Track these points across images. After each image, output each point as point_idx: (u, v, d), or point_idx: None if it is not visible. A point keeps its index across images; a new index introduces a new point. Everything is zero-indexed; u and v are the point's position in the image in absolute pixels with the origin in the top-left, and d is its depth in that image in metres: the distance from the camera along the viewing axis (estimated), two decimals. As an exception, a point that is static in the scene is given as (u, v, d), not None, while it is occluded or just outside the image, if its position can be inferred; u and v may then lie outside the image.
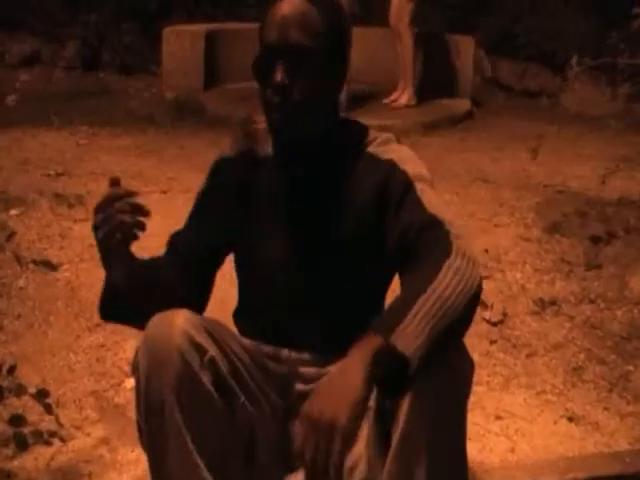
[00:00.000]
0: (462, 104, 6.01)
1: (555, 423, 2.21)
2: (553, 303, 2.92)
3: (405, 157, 1.37)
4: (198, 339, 1.24)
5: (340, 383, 1.11)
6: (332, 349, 1.34)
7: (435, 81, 5.99)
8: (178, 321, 1.24)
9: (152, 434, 1.23)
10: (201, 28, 5.97)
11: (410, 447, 1.20)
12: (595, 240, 3.42)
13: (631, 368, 2.51)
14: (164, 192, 3.85)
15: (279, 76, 1.29)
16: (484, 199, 4.03)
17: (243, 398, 1.29)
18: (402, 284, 1.26)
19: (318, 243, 1.38)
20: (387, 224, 1.33)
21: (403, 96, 5.71)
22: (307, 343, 1.40)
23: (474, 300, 1.21)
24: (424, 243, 1.26)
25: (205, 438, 1.23)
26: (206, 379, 1.22)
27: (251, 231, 1.42)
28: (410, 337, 1.13)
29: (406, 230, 1.30)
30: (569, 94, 6.34)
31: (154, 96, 5.94)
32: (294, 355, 1.41)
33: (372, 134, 1.42)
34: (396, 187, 1.33)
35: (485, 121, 5.85)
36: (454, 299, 1.17)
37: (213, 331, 1.28)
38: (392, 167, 1.35)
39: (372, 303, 1.44)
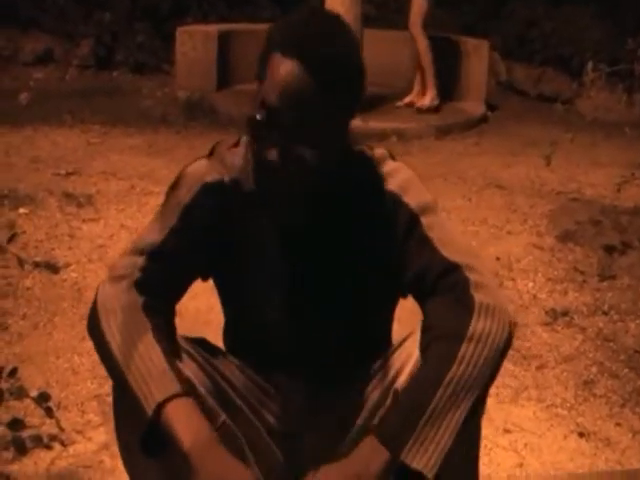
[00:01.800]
0: (476, 108, 5.97)
1: (565, 438, 2.17)
2: (565, 314, 2.87)
3: (404, 184, 1.27)
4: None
5: None
6: (326, 381, 1.31)
7: (450, 85, 5.95)
8: None
9: (130, 455, 1.20)
10: (214, 28, 5.96)
11: None
12: (609, 250, 3.36)
13: (644, 382, 2.46)
14: (174, 193, 3.83)
15: (275, 155, 1.14)
16: (497, 205, 3.99)
17: (223, 417, 1.24)
18: (421, 343, 1.18)
19: (316, 287, 1.30)
20: (396, 260, 1.25)
21: (426, 97, 5.66)
22: (299, 375, 1.35)
23: (502, 358, 1.16)
24: (441, 298, 1.18)
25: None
26: None
27: (237, 265, 1.32)
28: (425, 452, 1.07)
29: (421, 276, 1.22)
30: (585, 100, 6.27)
31: (166, 96, 5.93)
32: (285, 385, 1.36)
33: (365, 154, 1.30)
34: (403, 223, 1.24)
35: (499, 126, 5.81)
36: (478, 372, 1.11)
37: (192, 350, 1.24)
38: (395, 201, 1.25)
39: (372, 337, 1.38)
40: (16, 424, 1.80)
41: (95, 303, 1.22)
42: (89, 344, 2.47)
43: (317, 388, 1.34)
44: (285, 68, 1.13)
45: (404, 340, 1.28)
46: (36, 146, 4.54)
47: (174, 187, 1.31)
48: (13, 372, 1.88)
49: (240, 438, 1.27)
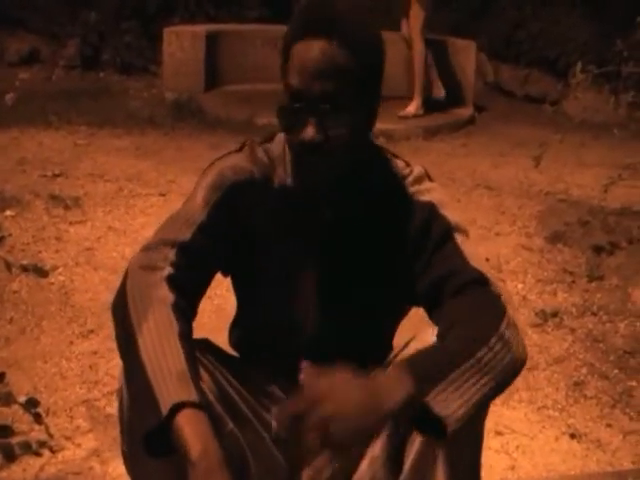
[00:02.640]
0: (464, 109, 5.97)
1: (557, 440, 2.17)
2: (555, 315, 2.87)
3: (443, 201, 1.29)
4: None
5: (363, 408, 1.02)
6: None
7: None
8: None
9: (137, 462, 1.19)
10: (202, 29, 5.93)
11: (422, 475, 1.17)
12: (598, 250, 3.38)
13: (634, 384, 2.46)
14: (163, 195, 3.81)
15: (310, 133, 1.16)
16: (485, 206, 3.99)
17: (231, 425, 1.23)
18: (444, 329, 1.16)
19: (343, 287, 1.30)
20: (419, 267, 1.25)
21: (412, 105, 5.62)
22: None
23: (517, 375, 1.15)
24: (472, 298, 1.18)
25: None
26: None
27: (263, 264, 1.31)
28: (452, 404, 1.05)
29: (447, 277, 1.22)
30: (572, 101, 6.29)
31: (154, 97, 5.90)
32: (290, 388, 1.35)
33: (403, 167, 1.32)
34: (437, 232, 1.25)
35: (487, 127, 5.82)
36: (498, 373, 1.10)
37: (200, 356, 1.23)
38: (431, 211, 1.26)
39: (380, 342, 1.38)
40: (4, 430, 1.77)
41: (124, 286, 1.20)
42: (77, 348, 2.48)
43: None
44: (312, 47, 1.17)
45: (406, 344, 1.28)
46: (22, 147, 4.50)
47: (204, 181, 1.30)
48: (1, 377, 1.86)
49: (245, 448, 1.26)
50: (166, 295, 1.18)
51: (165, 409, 1.06)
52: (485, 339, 1.11)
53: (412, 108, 5.59)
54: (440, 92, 5.78)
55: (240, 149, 1.32)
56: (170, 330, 1.14)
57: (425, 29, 5.59)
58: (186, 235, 1.24)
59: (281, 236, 1.30)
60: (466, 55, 6.13)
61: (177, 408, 1.07)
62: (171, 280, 1.20)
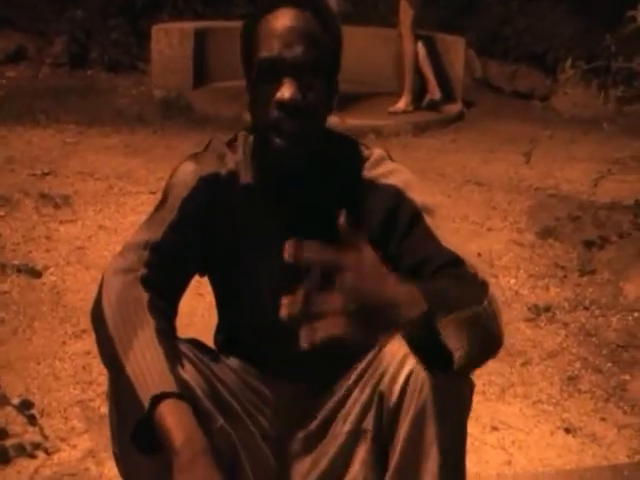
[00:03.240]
0: (453, 105, 5.98)
1: (552, 434, 2.18)
2: (547, 309, 2.88)
3: (407, 182, 1.28)
4: None
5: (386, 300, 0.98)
6: (313, 381, 1.31)
7: (426, 81, 5.95)
8: None
9: (128, 463, 1.18)
10: (190, 26, 5.91)
11: (409, 470, 1.18)
12: (588, 245, 3.39)
13: (627, 377, 2.47)
14: (153, 193, 3.78)
15: (290, 93, 1.17)
16: (476, 202, 4.00)
17: (221, 421, 1.22)
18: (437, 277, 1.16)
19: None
20: (391, 255, 1.23)
21: (401, 101, 5.61)
22: (294, 374, 1.33)
23: (495, 350, 1.14)
24: (450, 278, 1.17)
25: None
26: None
27: (235, 261, 1.31)
28: (455, 342, 1.04)
29: (421, 264, 1.21)
30: (561, 97, 6.31)
31: (142, 94, 5.87)
32: (277, 387, 1.35)
33: (362, 150, 1.32)
34: (405, 218, 1.24)
35: (476, 122, 5.82)
36: (487, 337, 1.10)
37: (189, 352, 1.22)
38: (397, 195, 1.25)
39: None
40: (-1, 433, 1.76)
41: (100, 293, 1.21)
42: (70, 349, 2.46)
43: (312, 389, 1.33)
44: (286, 15, 1.20)
45: (387, 342, 1.27)
46: (10, 146, 4.46)
47: (171, 181, 1.31)
48: (-6, 380, 1.84)
49: (237, 444, 1.25)
50: (141, 295, 1.19)
51: (146, 402, 1.07)
52: (479, 300, 1.10)
53: (401, 104, 5.59)
54: (436, 93, 5.77)
55: (205, 148, 1.34)
56: (147, 328, 1.15)
57: (415, 26, 5.58)
58: (157, 234, 1.26)
59: (249, 231, 1.30)
60: (454, 51, 6.14)
61: (158, 400, 1.07)
62: (145, 280, 1.21)
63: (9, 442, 1.78)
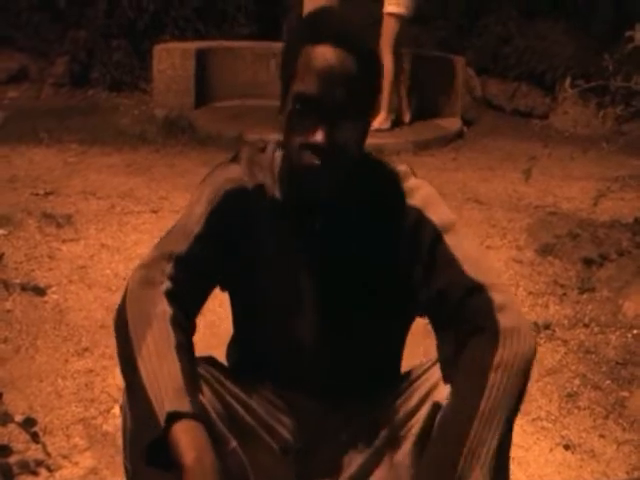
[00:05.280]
0: (453, 124, 6.02)
1: (551, 451, 2.18)
2: (547, 327, 2.89)
3: (425, 200, 1.28)
4: None
5: None
6: (341, 397, 1.32)
7: (426, 100, 6.00)
8: None
9: (139, 478, 1.20)
10: (192, 45, 5.96)
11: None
12: (588, 263, 3.40)
13: (626, 394, 2.48)
14: (155, 212, 3.81)
15: (320, 137, 1.18)
16: (476, 220, 4.02)
17: (233, 444, 1.24)
18: (451, 386, 1.19)
19: (336, 295, 1.31)
20: (416, 278, 1.25)
21: (377, 119, 5.57)
22: (315, 391, 1.35)
23: (528, 378, 1.18)
24: (466, 326, 1.18)
25: None
26: None
27: (258, 276, 1.32)
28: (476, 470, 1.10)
29: (443, 295, 1.22)
30: (560, 115, 6.36)
31: (144, 114, 5.91)
32: (300, 401, 1.37)
33: (388, 169, 1.33)
34: (426, 242, 1.25)
35: (476, 141, 5.86)
36: (508, 397, 1.14)
37: (204, 372, 1.24)
38: (417, 218, 1.26)
39: (389, 352, 1.40)
40: (2, 450, 1.77)
41: (124, 303, 1.22)
42: (72, 367, 2.48)
43: (332, 404, 1.35)
44: (327, 53, 1.18)
45: (434, 363, 1.30)
46: (13, 166, 4.50)
47: (199, 193, 1.31)
48: (-2, 397, 1.86)
49: (247, 466, 1.27)
50: (165, 310, 1.19)
51: (162, 420, 1.08)
52: (484, 381, 1.13)
53: (377, 122, 5.57)
54: (407, 117, 5.80)
55: (234, 159, 1.34)
56: (167, 344, 1.16)
57: (398, 45, 5.56)
58: (183, 247, 1.26)
59: (275, 248, 1.30)
60: (454, 70, 6.19)
61: (174, 419, 1.08)
62: (170, 294, 1.21)
63: (12, 459, 1.79)
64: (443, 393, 1.21)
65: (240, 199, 1.29)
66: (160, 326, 1.17)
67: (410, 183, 1.31)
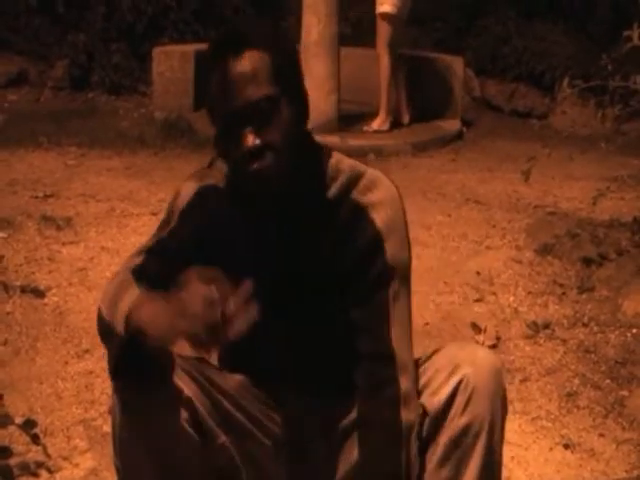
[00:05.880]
0: (452, 124, 6.02)
1: (550, 450, 2.19)
2: (546, 327, 2.90)
3: (391, 226, 1.28)
4: (174, 378, 1.21)
5: None
6: (320, 391, 1.34)
7: (425, 101, 6.00)
8: None
9: (128, 475, 1.21)
10: (191, 48, 5.97)
11: (449, 470, 1.29)
12: (587, 262, 3.41)
13: (626, 393, 2.49)
14: (154, 214, 3.82)
15: (250, 140, 1.20)
16: (475, 220, 4.02)
17: (223, 438, 1.25)
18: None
19: (298, 295, 1.32)
20: (355, 294, 1.29)
21: (376, 120, 5.59)
22: (292, 385, 1.36)
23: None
24: (370, 392, 1.26)
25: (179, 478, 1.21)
26: (183, 419, 1.19)
27: (229, 275, 1.33)
28: None
29: (363, 338, 1.27)
30: (558, 115, 6.36)
31: (144, 116, 5.92)
32: (283, 397, 1.38)
33: (352, 169, 1.32)
34: (374, 272, 1.27)
35: (475, 142, 5.87)
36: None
37: (191, 369, 1.25)
38: (377, 240, 1.27)
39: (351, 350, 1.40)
40: (2, 452, 1.77)
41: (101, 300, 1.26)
42: (72, 369, 2.49)
43: (316, 399, 1.36)
44: (226, 67, 1.21)
45: (431, 355, 1.32)
46: (13, 169, 4.51)
47: (174, 197, 1.37)
48: (-2, 399, 1.86)
49: (237, 461, 1.27)
50: (129, 278, 1.23)
51: (121, 326, 1.12)
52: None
53: (375, 124, 5.57)
54: (405, 118, 5.80)
55: (209, 165, 1.39)
56: (130, 287, 1.19)
57: (394, 45, 5.55)
58: (153, 240, 1.32)
59: (239, 246, 1.33)
60: (453, 71, 6.19)
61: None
62: (135, 272, 1.25)
63: (13, 461, 1.80)
64: (430, 397, 1.24)
65: (210, 196, 1.34)
66: (123, 284, 1.21)
67: (379, 193, 1.30)
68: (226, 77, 1.20)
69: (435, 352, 1.32)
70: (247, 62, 1.20)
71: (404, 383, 1.24)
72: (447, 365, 1.26)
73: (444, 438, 1.24)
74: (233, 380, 1.34)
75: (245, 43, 1.22)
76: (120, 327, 1.12)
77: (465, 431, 1.24)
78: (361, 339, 1.26)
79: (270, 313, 1.30)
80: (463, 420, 1.24)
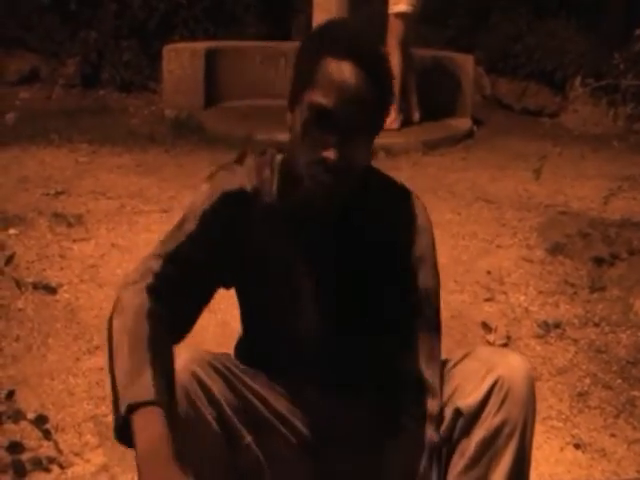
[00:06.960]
0: (463, 123, 6.01)
1: (561, 450, 2.18)
2: (557, 326, 2.89)
3: (426, 252, 1.35)
4: (203, 377, 1.21)
5: None
6: (350, 393, 1.34)
7: (436, 100, 5.99)
8: (182, 359, 1.21)
9: None
10: (201, 46, 5.98)
11: (479, 472, 1.28)
12: (599, 262, 3.39)
13: (637, 393, 2.48)
14: (165, 211, 3.83)
15: (333, 155, 1.20)
16: (486, 219, 4.01)
17: (248, 439, 1.25)
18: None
19: (333, 295, 1.34)
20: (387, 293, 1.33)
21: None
22: (322, 387, 1.36)
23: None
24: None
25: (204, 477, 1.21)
26: (211, 417, 1.20)
27: (259, 277, 1.34)
28: None
29: (405, 357, 1.32)
30: (570, 114, 6.34)
31: (154, 114, 5.93)
32: (313, 397, 1.38)
33: (396, 187, 1.38)
34: (411, 288, 1.33)
35: (486, 140, 5.84)
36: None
37: (220, 367, 1.25)
38: (414, 261, 1.33)
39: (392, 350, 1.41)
40: (15, 447, 1.79)
41: (113, 307, 1.24)
42: (84, 365, 2.50)
43: (346, 401, 1.36)
44: (345, 69, 1.20)
45: (462, 358, 1.33)
46: (24, 166, 4.52)
47: (198, 194, 1.33)
48: (10, 395, 1.87)
49: (262, 461, 1.28)
50: (142, 303, 1.20)
51: (123, 409, 1.09)
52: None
53: (385, 122, 5.57)
54: (416, 117, 5.79)
55: (237, 160, 1.35)
56: (138, 335, 1.16)
57: (406, 44, 5.52)
58: (174, 244, 1.28)
59: (273, 250, 1.32)
60: (464, 69, 6.17)
61: (134, 408, 1.08)
62: (151, 289, 1.22)
63: (25, 456, 1.81)
64: (464, 398, 1.24)
65: (236, 200, 1.31)
66: (134, 319, 1.18)
67: (419, 221, 1.35)
68: (346, 80, 1.20)
69: (465, 356, 1.33)
70: (369, 84, 1.21)
71: (434, 407, 1.29)
72: (481, 367, 1.28)
73: (476, 437, 1.25)
74: (260, 377, 1.34)
75: (377, 65, 1.24)
76: (121, 405, 1.10)
77: (498, 431, 1.24)
78: (402, 357, 1.31)
79: (307, 315, 1.33)
80: (497, 420, 1.24)
